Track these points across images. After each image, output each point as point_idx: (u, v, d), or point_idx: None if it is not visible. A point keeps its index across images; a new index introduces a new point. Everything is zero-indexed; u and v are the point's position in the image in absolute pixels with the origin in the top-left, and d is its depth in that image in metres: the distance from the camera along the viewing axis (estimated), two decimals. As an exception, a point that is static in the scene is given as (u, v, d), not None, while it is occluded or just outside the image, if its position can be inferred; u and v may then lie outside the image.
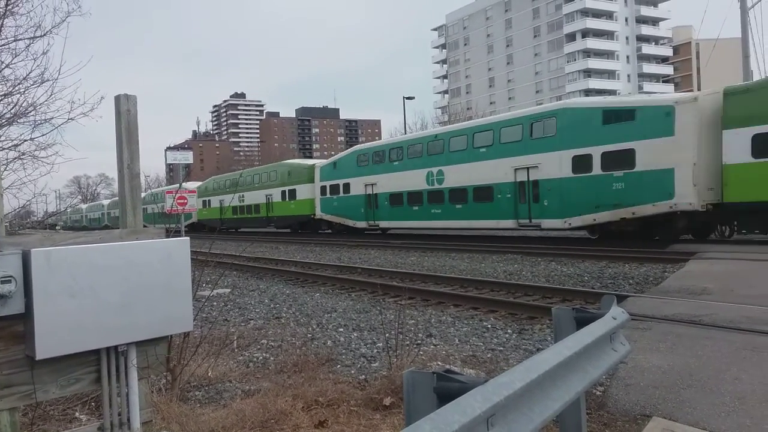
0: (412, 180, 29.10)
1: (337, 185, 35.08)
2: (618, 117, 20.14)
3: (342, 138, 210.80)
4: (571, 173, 21.45)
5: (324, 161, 39.25)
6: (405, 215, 30.04)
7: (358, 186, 33.25)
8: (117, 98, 4.07)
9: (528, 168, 23.14)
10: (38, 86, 7.62)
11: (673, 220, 19.26)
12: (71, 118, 7.35)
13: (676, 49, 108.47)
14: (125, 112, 4.05)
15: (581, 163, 21.09)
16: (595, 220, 20.87)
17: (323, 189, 36.45)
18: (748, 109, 17.40)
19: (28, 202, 8.46)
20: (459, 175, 26.32)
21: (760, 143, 16.95)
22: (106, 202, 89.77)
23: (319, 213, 36.96)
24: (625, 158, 19.67)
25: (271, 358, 7.36)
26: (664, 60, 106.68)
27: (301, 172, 39.14)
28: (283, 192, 40.89)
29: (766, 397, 4.66)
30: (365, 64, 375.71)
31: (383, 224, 32.20)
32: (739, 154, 17.41)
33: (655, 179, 18.91)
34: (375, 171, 32.13)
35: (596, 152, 20.56)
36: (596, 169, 20.60)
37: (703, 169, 18.13)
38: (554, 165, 22.04)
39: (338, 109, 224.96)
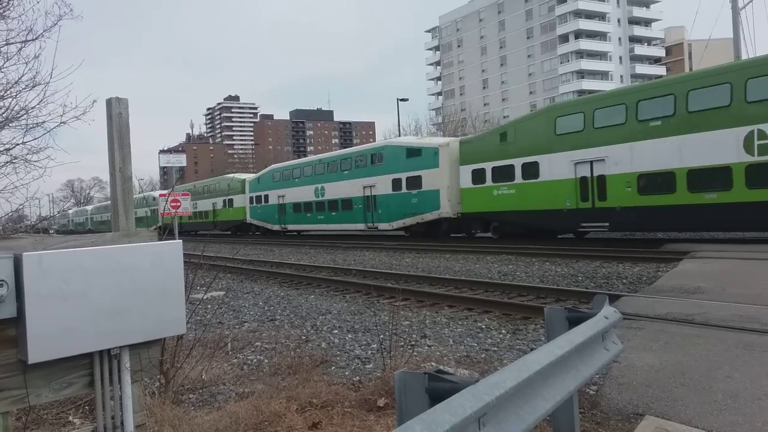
0: (306, 193, 38.15)
1: (260, 196, 43.85)
2: (413, 153, 29.42)
3: (336, 140, 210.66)
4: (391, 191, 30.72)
5: (252, 176, 47.77)
6: (303, 220, 38.88)
7: (273, 197, 41.90)
8: (108, 101, 4.07)
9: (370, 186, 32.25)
10: (30, 90, 7.58)
11: (441, 223, 28.00)
12: (63, 122, 7.32)
13: (668, 50, 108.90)
14: (117, 115, 4.05)
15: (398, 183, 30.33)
16: (404, 223, 29.96)
17: (251, 199, 45.19)
18: (470, 152, 26.16)
19: (20, 206, 8.41)
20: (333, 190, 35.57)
21: (475, 175, 25.61)
22: (89, 207, 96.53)
23: (248, 218, 45.59)
24: (416, 181, 28.82)
25: (266, 361, 7.35)
26: (656, 61, 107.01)
27: (237, 185, 47.61)
28: (224, 201, 49.24)
29: (758, 395, 4.69)
30: (359, 66, 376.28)
31: (290, 227, 40.58)
32: (467, 182, 26.05)
33: (430, 197, 27.87)
34: (284, 186, 40.78)
35: (403, 177, 29.79)
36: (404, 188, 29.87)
37: (454, 191, 26.81)
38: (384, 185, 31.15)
39: (332, 111, 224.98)
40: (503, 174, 24.31)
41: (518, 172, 23.65)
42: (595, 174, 20.81)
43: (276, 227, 41.73)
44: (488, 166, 24.92)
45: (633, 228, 20.81)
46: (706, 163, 17.61)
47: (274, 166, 44.92)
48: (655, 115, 18.95)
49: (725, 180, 17.07)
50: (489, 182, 24.88)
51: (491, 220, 25.62)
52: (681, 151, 18.21)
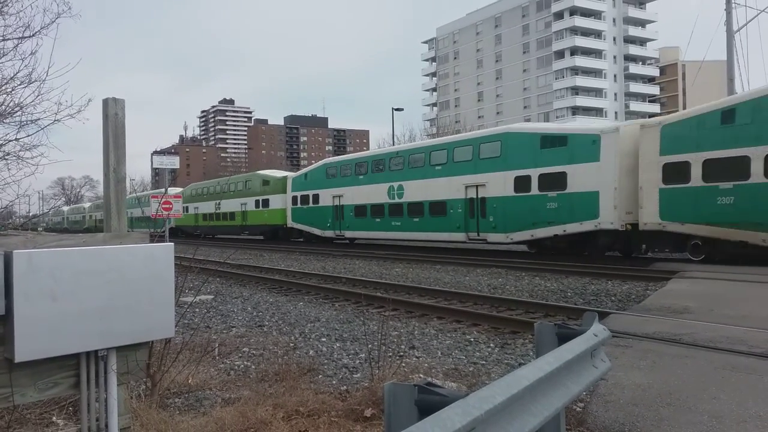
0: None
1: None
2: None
3: (330, 147, 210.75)
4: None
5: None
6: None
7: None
8: (105, 102, 4.06)
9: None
10: (25, 86, 7.57)
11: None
12: (58, 120, 7.31)
13: (662, 70, 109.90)
14: (113, 115, 4.04)
15: None
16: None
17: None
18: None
19: (11, 203, 8.37)
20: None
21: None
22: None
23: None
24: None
25: (253, 367, 7.32)
26: (650, 80, 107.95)
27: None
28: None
29: (743, 417, 4.71)
30: (355, 75, 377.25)
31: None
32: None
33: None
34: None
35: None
36: None
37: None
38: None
39: (327, 119, 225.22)
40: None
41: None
42: None
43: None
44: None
45: None
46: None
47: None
48: None
49: None
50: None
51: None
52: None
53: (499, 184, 24.00)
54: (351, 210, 32.97)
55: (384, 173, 30.79)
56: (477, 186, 25.11)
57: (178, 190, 53.95)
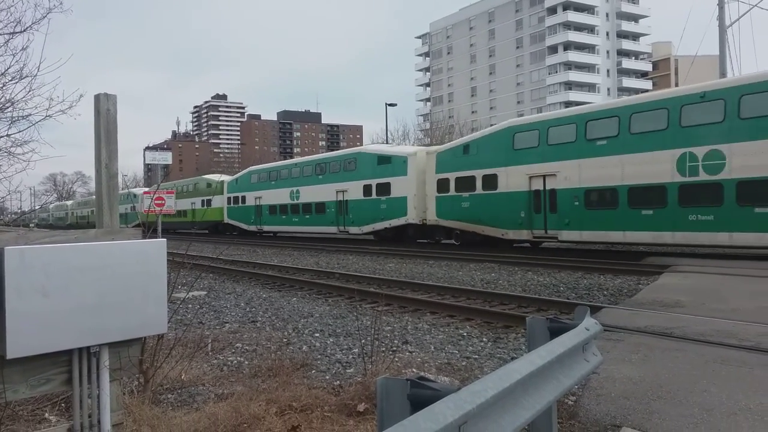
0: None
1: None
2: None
3: (323, 143, 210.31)
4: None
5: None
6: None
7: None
8: (97, 97, 4.04)
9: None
10: (17, 82, 7.53)
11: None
12: (49, 116, 7.28)
13: (655, 65, 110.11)
14: (105, 111, 4.02)
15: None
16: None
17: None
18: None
19: (2, 199, 8.34)
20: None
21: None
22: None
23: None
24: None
25: (246, 362, 7.32)
26: (643, 75, 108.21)
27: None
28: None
29: (733, 410, 4.75)
30: (348, 69, 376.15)
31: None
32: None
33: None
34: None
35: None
36: None
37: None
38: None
39: (320, 114, 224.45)
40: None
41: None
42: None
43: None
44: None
45: None
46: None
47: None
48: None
49: None
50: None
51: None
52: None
53: (355, 190, 32.13)
54: (267, 209, 40.89)
55: (287, 180, 38.81)
56: (342, 191, 33.09)
57: (144, 189, 59.27)
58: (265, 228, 41.67)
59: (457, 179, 25.71)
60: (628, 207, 19.22)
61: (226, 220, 46.53)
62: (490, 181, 24.10)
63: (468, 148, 25.62)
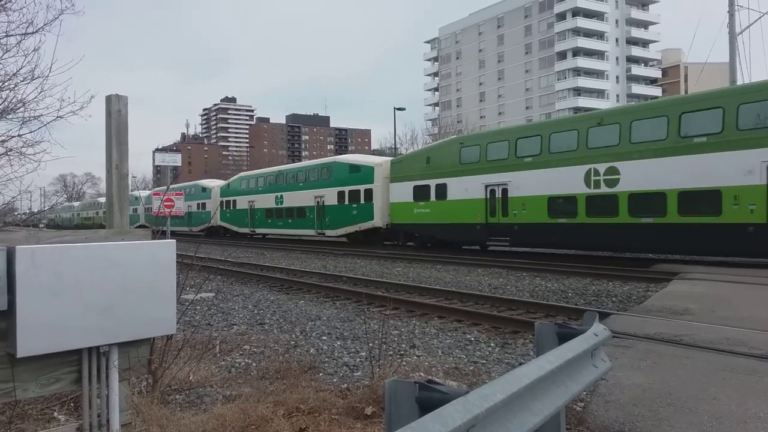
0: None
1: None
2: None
3: (332, 146, 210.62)
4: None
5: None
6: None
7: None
8: (108, 98, 4.07)
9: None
10: (28, 83, 7.58)
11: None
12: (60, 116, 7.32)
13: (665, 72, 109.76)
14: (116, 112, 4.05)
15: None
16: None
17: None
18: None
19: (13, 199, 8.39)
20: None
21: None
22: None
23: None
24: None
25: (254, 364, 7.33)
26: (653, 81, 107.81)
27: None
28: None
29: (743, 418, 4.71)
30: (357, 74, 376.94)
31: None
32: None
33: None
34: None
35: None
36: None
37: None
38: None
39: (329, 117, 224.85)
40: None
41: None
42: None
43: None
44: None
45: None
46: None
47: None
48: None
49: None
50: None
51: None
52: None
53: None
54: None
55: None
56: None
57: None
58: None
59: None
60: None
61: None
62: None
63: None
